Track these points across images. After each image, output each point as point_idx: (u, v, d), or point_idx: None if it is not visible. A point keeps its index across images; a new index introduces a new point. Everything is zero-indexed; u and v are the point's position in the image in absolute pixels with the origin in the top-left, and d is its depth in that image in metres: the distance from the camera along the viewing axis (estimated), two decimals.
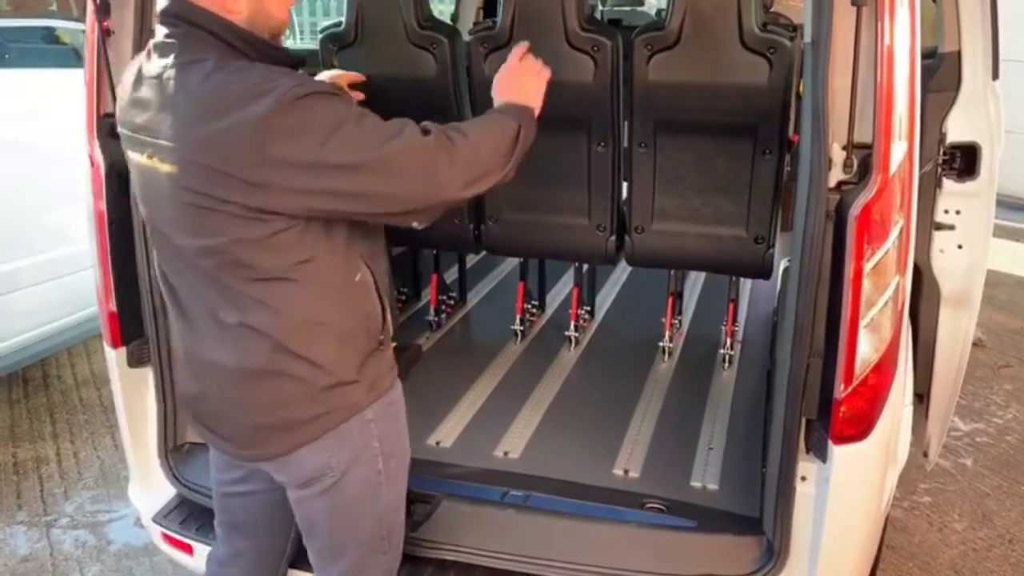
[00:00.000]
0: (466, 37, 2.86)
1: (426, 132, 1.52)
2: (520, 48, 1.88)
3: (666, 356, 3.12)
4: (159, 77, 1.50)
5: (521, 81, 1.82)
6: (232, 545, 1.94)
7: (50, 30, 4.48)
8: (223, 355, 1.60)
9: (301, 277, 1.52)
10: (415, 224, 1.59)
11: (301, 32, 10.08)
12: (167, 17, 1.52)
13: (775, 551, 1.90)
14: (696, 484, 2.34)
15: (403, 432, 1.81)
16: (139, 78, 1.57)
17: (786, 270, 2.30)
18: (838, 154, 1.70)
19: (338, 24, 2.94)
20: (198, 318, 1.63)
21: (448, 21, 4.28)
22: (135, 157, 1.58)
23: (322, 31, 3.02)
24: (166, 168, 1.48)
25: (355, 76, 2.55)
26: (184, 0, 1.49)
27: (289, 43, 5.83)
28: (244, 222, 1.45)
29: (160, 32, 1.55)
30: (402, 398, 1.81)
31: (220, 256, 1.51)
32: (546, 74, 1.85)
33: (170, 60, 1.49)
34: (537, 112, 1.78)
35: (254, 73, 1.44)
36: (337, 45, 2.88)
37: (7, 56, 4.08)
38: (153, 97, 1.51)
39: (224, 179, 1.42)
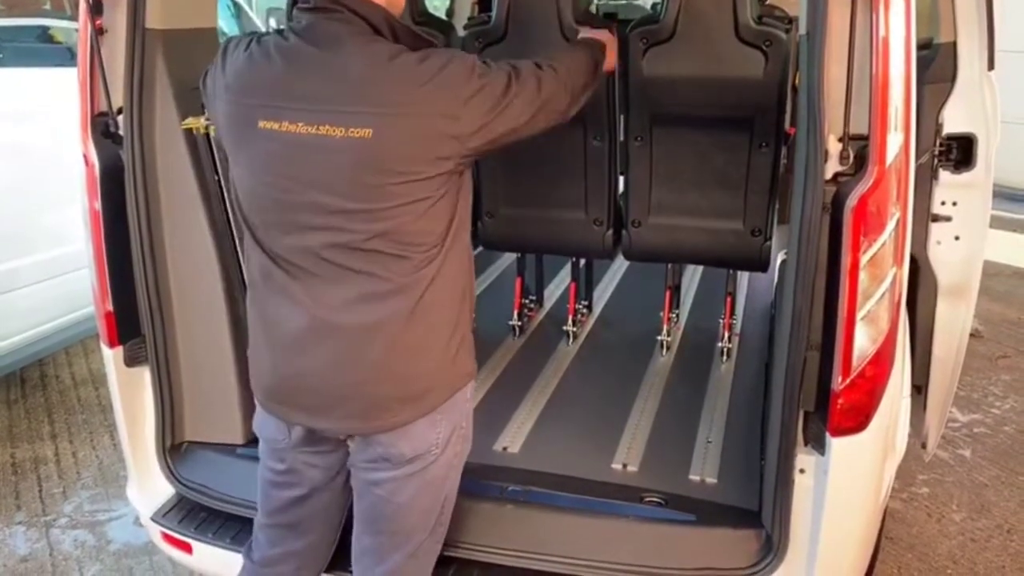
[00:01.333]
0: (461, 32, 2.85)
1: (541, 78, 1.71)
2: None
3: (664, 350, 3.12)
4: (325, 56, 1.57)
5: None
6: (285, 545, 1.92)
7: (44, 29, 4.47)
8: (363, 327, 1.64)
9: (444, 246, 1.64)
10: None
11: None
12: (324, 1, 1.59)
13: (774, 544, 1.90)
14: (695, 478, 2.34)
15: (472, 421, 1.87)
16: (283, 52, 1.60)
17: (783, 263, 2.30)
18: (834, 146, 1.70)
19: None
20: (329, 293, 1.64)
21: (443, 16, 4.27)
22: (272, 126, 1.58)
23: None
24: (358, 133, 1.53)
25: None
26: None
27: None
28: (422, 184, 1.56)
29: (309, 17, 1.60)
30: None
31: (382, 222, 1.57)
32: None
33: (343, 44, 1.57)
34: (608, 54, 2.02)
35: (437, 52, 1.61)
36: None
37: (1, 55, 4.07)
38: (321, 73, 1.57)
39: (427, 129, 1.55)
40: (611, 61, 2.09)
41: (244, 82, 1.63)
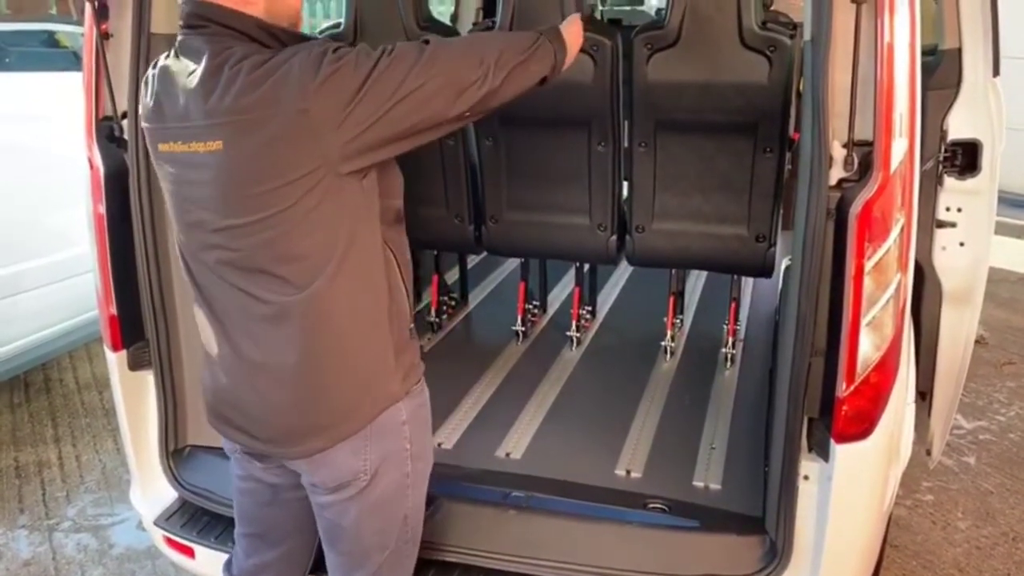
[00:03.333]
0: None
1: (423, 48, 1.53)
2: None
3: (668, 356, 3.12)
4: (191, 73, 1.52)
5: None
6: (258, 556, 1.91)
7: (50, 33, 4.49)
8: (260, 351, 1.59)
9: (339, 258, 1.53)
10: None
11: None
12: (192, 19, 1.55)
13: (778, 551, 1.89)
14: (699, 484, 2.33)
15: (430, 434, 1.81)
16: (167, 75, 1.58)
17: (787, 268, 2.30)
18: (839, 152, 1.69)
19: (337, 26, 2.94)
20: (232, 314, 1.61)
21: (447, 22, 4.28)
22: (166, 149, 1.58)
23: (321, 32, 3.02)
24: (212, 147, 1.49)
25: None
26: (207, 2, 1.53)
27: None
28: (287, 190, 1.47)
29: (185, 33, 1.57)
30: (428, 399, 1.80)
31: (259, 236, 1.51)
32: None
33: (204, 58, 1.51)
34: (569, 42, 1.76)
35: (284, 50, 1.50)
36: None
37: (7, 60, 4.09)
38: (187, 92, 1.52)
39: (276, 132, 1.45)
40: (575, 45, 1.81)
41: (145, 105, 1.63)
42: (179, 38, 1.59)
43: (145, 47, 2.11)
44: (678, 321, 3.23)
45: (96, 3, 2.08)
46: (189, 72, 1.52)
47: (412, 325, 1.72)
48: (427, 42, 1.55)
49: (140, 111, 1.67)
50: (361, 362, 1.61)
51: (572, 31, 1.78)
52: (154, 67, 1.63)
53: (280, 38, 1.55)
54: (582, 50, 2.60)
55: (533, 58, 1.64)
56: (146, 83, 1.65)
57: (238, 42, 1.52)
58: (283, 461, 1.71)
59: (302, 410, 1.62)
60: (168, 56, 1.61)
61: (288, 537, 1.89)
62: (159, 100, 1.58)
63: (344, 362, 1.59)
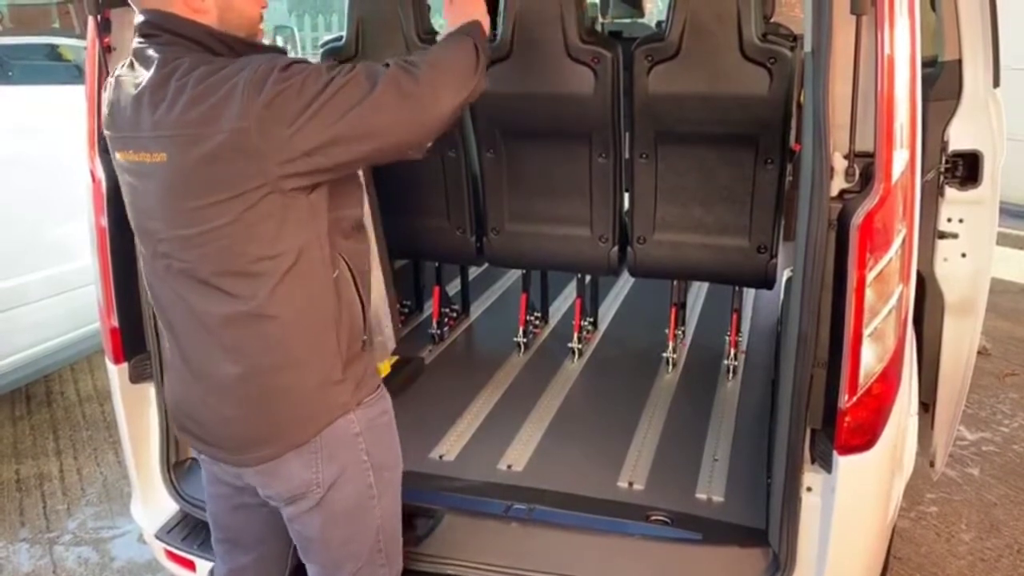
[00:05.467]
0: None
1: (377, 75, 1.50)
2: None
3: (670, 367, 3.11)
4: (142, 83, 1.52)
5: (459, 3, 1.80)
6: (234, 562, 1.93)
7: (53, 47, 4.51)
8: (207, 362, 1.61)
9: (282, 272, 1.52)
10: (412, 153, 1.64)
11: (303, 47, 10.13)
12: (145, 28, 1.55)
13: (781, 563, 1.89)
14: (701, 496, 2.33)
15: (394, 443, 1.80)
16: (121, 84, 1.58)
17: (789, 280, 2.30)
18: (840, 163, 1.69)
19: (339, 38, 2.95)
20: (181, 324, 1.63)
21: None
22: (122, 157, 1.60)
23: (322, 45, 3.03)
24: (157, 158, 1.50)
25: None
26: (159, 11, 1.53)
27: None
28: (228, 205, 1.46)
29: (139, 43, 1.56)
30: (391, 408, 1.79)
31: (202, 248, 1.52)
32: None
33: (153, 67, 1.51)
34: (485, 23, 1.75)
35: (233, 63, 1.48)
36: (338, 59, 2.89)
37: (11, 73, 4.11)
38: (138, 101, 1.52)
39: (217, 149, 1.43)
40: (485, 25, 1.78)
41: (105, 114, 1.64)
42: (133, 47, 1.58)
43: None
44: (680, 333, 3.23)
45: (98, 17, 2.09)
46: (140, 82, 1.52)
47: (366, 336, 1.69)
48: (388, 65, 1.53)
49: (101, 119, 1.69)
50: (306, 375, 1.60)
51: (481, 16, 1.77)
52: (113, 75, 1.64)
53: (234, 47, 1.54)
54: (583, 63, 2.63)
55: (479, 70, 1.65)
56: (106, 91, 1.67)
57: (190, 51, 1.51)
58: (238, 471, 1.71)
59: (248, 421, 1.62)
60: (124, 65, 1.61)
61: (260, 543, 1.89)
62: (113, 109, 1.59)
63: (288, 375, 1.59)
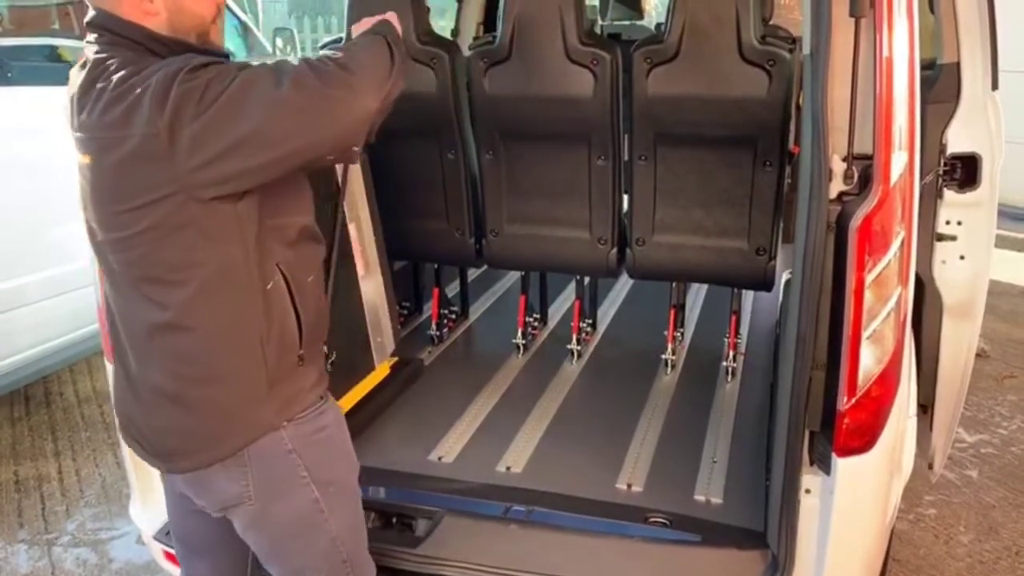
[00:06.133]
0: (466, 52, 2.87)
1: (284, 75, 1.43)
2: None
3: (669, 369, 3.11)
4: (78, 84, 1.51)
5: (369, 21, 1.77)
6: (191, 568, 1.92)
7: (53, 48, 4.50)
8: (135, 366, 1.60)
9: (202, 283, 1.48)
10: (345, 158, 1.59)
11: (302, 48, 10.13)
12: (91, 28, 1.54)
13: (780, 564, 1.89)
14: (700, 498, 2.33)
15: (340, 457, 1.74)
16: (71, 84, 1.57)
17: (788, 282, 2.30)
18: (838, 165, 1.70)
19: (338, 40, 2.95)
20: (121, 327, 1.62)
21: (448, 36, 4.30)
22: (78, 158, 1.58)
23: (322, 47, 3.04)
24: (86, 160, 1.50)
25: None
26: (105, 11, 1.52)
27: (291, 60, 5.84)
28: (145, 211, 1.44)
29: (87, 41, 1.55)
30: (338, 421, 1.74)
31: (126, 253, 1.51)
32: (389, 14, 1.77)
33: (87, 67, 1.51)
34: (396, 26, 1.71)
35: (152, 65, 1.44)
36: None
37: (10, 74, 4.10)
38: (73, 102, 1.52)
39: (132, 151, 1.41)
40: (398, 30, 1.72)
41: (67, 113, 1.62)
42: (84, 45, 1.57)
43: None
44: (679, 334, 3.23)
45: None
46: (79, 82, 1.52)
47: (302, 351, 1.62)
48: (302, 62, 1.47)
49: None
50: (226, 391, 1.56)
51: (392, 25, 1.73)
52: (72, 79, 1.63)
53: (174, 50, 1.50)
54: (582, 64, 2.63)
55: (395, 71, 1.58)
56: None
57: (128, 52, 1.49)
58: (173, 479, 1.70)
59: (172, 431, 1.61)
60: (79, 64, 1.59)
61: (213, 549, 1.87)
62: (67, 107, 1.58)
63: (207, 389, 1.55)
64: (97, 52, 1.51)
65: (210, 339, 1.52)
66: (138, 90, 1.39)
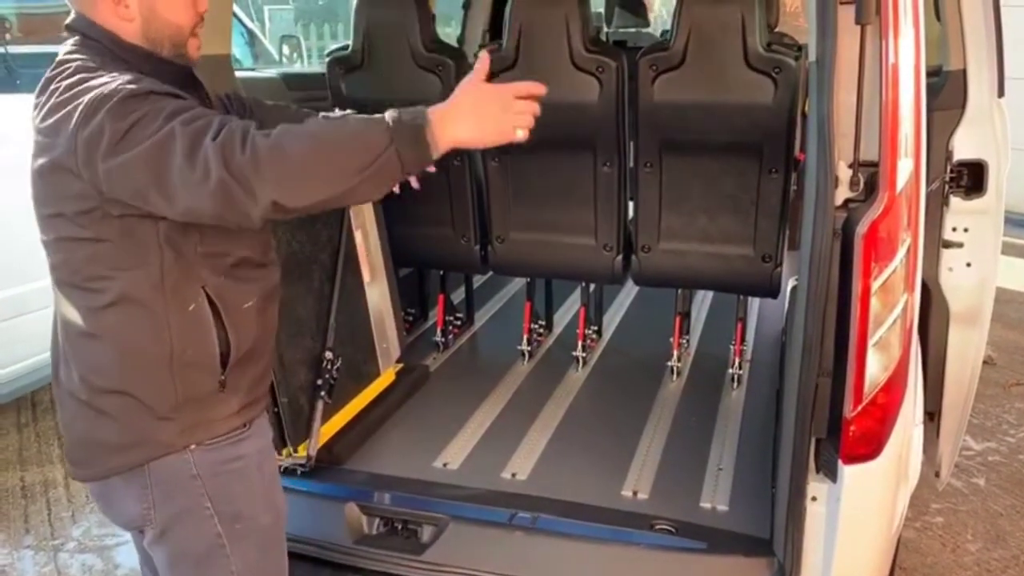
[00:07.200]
0: (472, 59, 2.88)
1: (217, 133, 1.32)
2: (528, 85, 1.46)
3: (674, 376, 3.11)
4: (42, 84, 1.51)
5: (471, 97, 1.43)
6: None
7: None
8: (62, 367, 1.60)
9: (114, 295, 1.47)
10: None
11: (309, 55, 10.16)
12: (68, 31, 1.55)
13: (786, 572, 1.88)
14: (706, 505, 2.32)
15: (253, 493, 1.65)
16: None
17: (794, 289, 2.30)
18: (844, 172, 1.70)
19: (345, 47, 2.96)
20: (55, 324, 1.63)
21: (454, 44, 4.31)
22: None
23: (328, 54, 3.05)
24: (32, 163, 1.50)
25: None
26: (81, 14, 1.53)
27: (296, 67, 5.87)
28: (66, 219, 1.47)
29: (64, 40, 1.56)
30: (261, 454, 1.67)
31: (53, 256, 1.54)
32: (520, 108, 1.44)
33: (56, 68, 1.50)
34: (454, 142, 1.41)
35: (94, 76, 1.42)
36: (344, 68, 2.91)
37: (19, 81, 4.12)
38: (37, 100, 1.51)
39: (57, 161, 1.42)
40: (442, 141, 1.38)
41: None
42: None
43: None
44: (684, 341, 3.22)
45: None
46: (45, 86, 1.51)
47: (224, 377, 1.56)
48: (234, 133, 1.31)
49: None
50: (126, 402, 1.52)
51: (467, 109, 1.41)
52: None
53: (145, 59, 1.51)
54: (588, 71, 2.64)
55: (371, 170, 1.33)
56: None
57: (93, 56, 1.48)
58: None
59: (76, 436, 1.60)
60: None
61: (147, 563, 1.79)
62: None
63: (109, 399, 1.53)
64: (66, 53, 1.52)
65: (118, 351, 1.51)
66: (74, 103, 1.38)
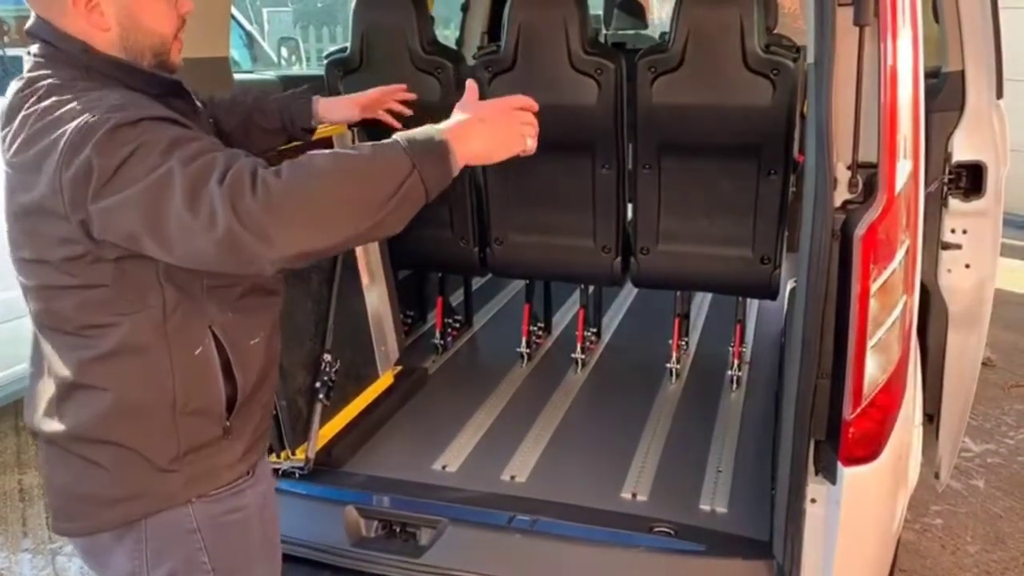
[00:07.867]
0: (470, 61, 2.88)
1: (222, 178, 1.19)
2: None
3: (673, 378, 3.11)
4: (9, 108, 1.35)
5: (474, 112, 1.38)
6: None
7: None
8: (45, 408, 1.43)
9: (112, 344, 1.34)
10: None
11: (308, 58, 10.17)
12: (30, 37, 1.38)
13: (785, 574, 1.88)
14: (705, 507, 2.32)
15: (253, 545, 1.55)
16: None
17: (793, 290, 2.30)
18: (843, 173, 1.70)
19: (343, 49, 2.96)
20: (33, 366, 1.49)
21: (453, 46, 4.31)
22: None
23: (327, 56, 3.05)
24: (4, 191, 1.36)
25: (403, 92, 2.20)
26: (44, 20, 1.35)
27: (295, 69, 5.87)
28: (51, 265, 1.32)
29: (29, 53, 1.39)
30: (261, 502, 1.56)
31: (35, 304, 1.40)
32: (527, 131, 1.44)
33: (25, 88, 1.34)
34: (470, 157, 1.38)
35: (77, 100, 1.27)
36: (343, 70, 2.91)
37: None
38: (5, 128, 1.35)
39: (38, 198, 1.27)
40: (466, 155, 1.37)
41: None
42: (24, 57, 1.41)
43: None
44: (683, 343, 3.22)
45: None
46: (12, 97, 1.35)
47: (228, 423, 1.46)
48: (242, 174, 1.18)
49: None
50: (124, 456, 1.39)
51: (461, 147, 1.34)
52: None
53: (122, 69, 1.35)
54: (586, 73, 2.64)
55: (395, 200, 1.28)
56: None
57: (64, 70, 1.32)
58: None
59: (61, 484, 1.46)
60: (16, 80, 1.42)
61: None
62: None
63: (104, 451, 1.39)
64: (31, 68, 1.35)
65: (114, 402, 1.37)
66: (53, 133, 1.23)
